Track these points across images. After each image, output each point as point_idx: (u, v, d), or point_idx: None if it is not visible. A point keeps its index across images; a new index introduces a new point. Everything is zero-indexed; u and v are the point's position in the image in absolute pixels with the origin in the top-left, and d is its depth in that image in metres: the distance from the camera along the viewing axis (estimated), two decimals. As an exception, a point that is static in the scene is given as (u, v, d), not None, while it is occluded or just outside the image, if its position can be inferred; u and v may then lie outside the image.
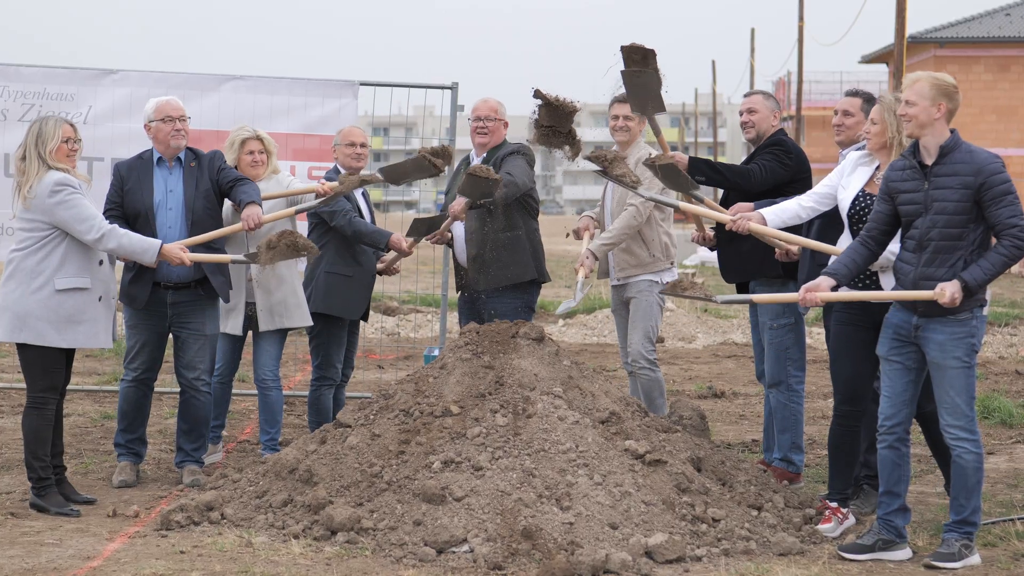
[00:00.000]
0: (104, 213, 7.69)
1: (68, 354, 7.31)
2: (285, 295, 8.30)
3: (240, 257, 7.70)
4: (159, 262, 7.50)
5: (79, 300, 7.14)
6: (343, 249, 8.48)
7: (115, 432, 8.02)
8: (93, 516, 7.04)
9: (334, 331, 8.57)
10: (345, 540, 6.38)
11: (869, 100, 7.38)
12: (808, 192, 7.18)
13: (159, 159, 7.89)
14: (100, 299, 7.23)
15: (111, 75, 10.18)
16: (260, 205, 7.77)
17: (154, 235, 7.66)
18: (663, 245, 8.38)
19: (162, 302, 7.79)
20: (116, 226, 7.25)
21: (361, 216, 8.52)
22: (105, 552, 6.29)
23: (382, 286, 9.21)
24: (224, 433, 9.04)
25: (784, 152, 7.88)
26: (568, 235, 8.62)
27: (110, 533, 6.66)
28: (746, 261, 7.96)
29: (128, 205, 7.77)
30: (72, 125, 7.27)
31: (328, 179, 8.42)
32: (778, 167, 7.83)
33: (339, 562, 6.16)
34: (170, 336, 8.01)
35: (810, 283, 6.58)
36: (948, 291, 6.16)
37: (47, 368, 7.18)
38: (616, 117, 8.37)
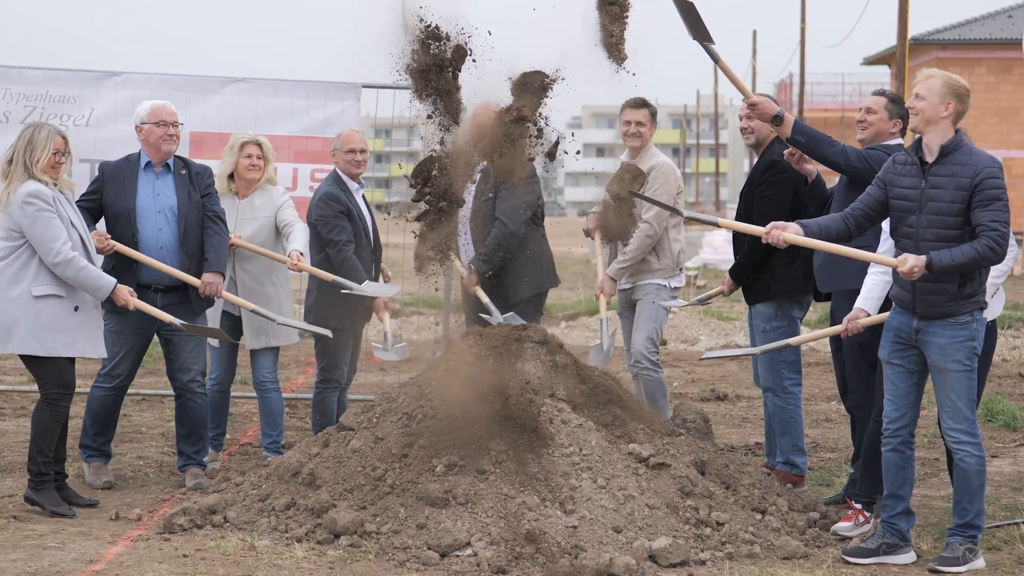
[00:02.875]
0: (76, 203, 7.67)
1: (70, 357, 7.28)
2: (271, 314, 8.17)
3: (179, 322, 7.58)
4: (143, 267, 7.58)
5: (56, 308, 7.10)
6: None
7: (83, 435, 7.92)
8: (96, 519, 7.02)
9: (338, 335, 8.54)
10: (348, 543, 6.36)
11: (894, 101, 7.40)
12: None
13: (147, 163, 7.86)
14: (76, 309, 7.18)
15: (113, 77, 10.14)
16: (224, 274, 7.76)
17: (135, 236, 7.66)
18: (675, 253, 8.38)
19: (152, 305, 7.66)
20: (77, 256, 7.12)
21: (363, 221, 8.46)
22: (108, 555, 6.28)
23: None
24: (227, 437, 9.01)
25: (775, 179, 7.80)
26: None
27: (113, 536, 6.65)
28: (770, 280, 7.90)
29: (110, 206, 7.75)
30: (64, 137, 7.20)
31: (327, 191, 8.32)
32: (777, 196, 7.78)
33: (342, 565, 6.14)
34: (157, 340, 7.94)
35: (778, 223, 6.52)
36: (911, 261, 6.17)
37: (57, 368, 7.16)
38: (628, 123, 8.32)
